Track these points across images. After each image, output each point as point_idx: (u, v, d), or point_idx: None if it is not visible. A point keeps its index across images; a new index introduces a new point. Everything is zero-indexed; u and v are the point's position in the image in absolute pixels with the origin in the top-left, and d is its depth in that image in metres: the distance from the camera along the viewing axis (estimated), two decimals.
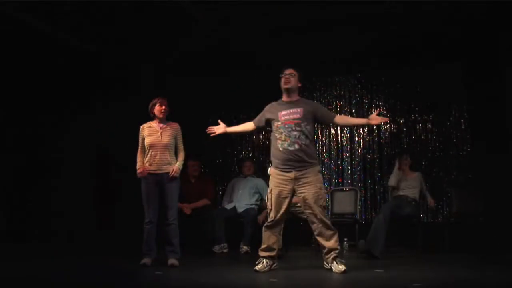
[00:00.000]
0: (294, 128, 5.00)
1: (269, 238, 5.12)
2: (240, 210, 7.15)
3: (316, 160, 5.13)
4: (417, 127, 7.97)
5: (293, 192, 5.04)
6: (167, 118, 5.75)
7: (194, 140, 8.31)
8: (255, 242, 6.80)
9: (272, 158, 5.19)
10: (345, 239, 6.94)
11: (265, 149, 8.39)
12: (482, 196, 6.91)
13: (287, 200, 5.03)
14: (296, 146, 4.97)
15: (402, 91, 8.02)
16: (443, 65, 7.56)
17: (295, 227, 6.72)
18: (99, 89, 7.80)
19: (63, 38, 7.03)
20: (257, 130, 5.62)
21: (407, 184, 6.86)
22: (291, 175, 4.98)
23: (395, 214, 6.42)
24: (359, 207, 7.28)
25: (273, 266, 5.16)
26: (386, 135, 8.09)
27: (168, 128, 5.69)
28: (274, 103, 5.34)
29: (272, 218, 5.07)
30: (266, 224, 5.17)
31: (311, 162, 5.02)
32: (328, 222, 5.00)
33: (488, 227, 6.59)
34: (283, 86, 5.20)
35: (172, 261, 5.44)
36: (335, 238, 4.99)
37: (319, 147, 8.29)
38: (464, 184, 7.44)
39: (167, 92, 6.10)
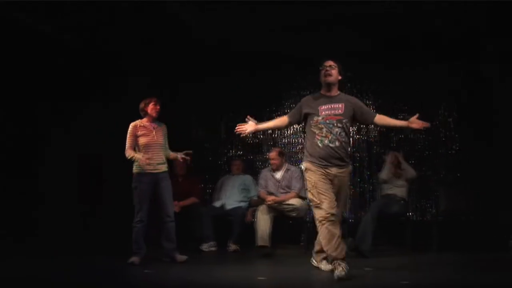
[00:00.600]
0: (335, 124, 4.77)
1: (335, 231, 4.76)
2: (228, 207, 7.14)
3: (349, 159, 4.96)
4: None
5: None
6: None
7: (181, 139, 8.35)
8: (243, 240, 6.83)
9: (307, 154, 4.90)
10: None
11: (255, 147, 8.38)
12: (470, 195, 6.95)
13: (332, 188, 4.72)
14: (337, 144, 4.74)
15: (391, 91, 8.03)
16: (432, 65, 7.57)
17: (284, 226, 6.71)
18: (98, 89, 7.76)
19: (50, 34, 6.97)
20: (291, 125, 5.33)
21: (396, 183, 6.88)
22: (333, 170, 4.75)
23: (384, 213, 6.44)
24: (348, 205, 7.27)
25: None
26: (375, 134, 8.09)
27: (159, 128, 5.71)
28: (310, 97, 5.06)
29: (326, 206, 4.62)
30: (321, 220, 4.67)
31: (347, 161, 4.87)
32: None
33: (476, 226, 6.63)
34: (324, 79, 4.92)
35: (181, 257, 5.52)
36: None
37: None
38: (452, 183, 7.48)
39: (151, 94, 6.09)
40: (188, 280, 4.60)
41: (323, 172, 4.74)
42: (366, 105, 8.01)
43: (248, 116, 5.07)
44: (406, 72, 7.78)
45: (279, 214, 6.63)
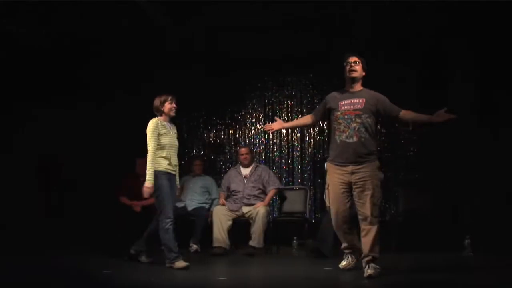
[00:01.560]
0: (354, 120, 4.70)
1: (344, 238, 4.91)
2: (190, 208, 7.11)
3: (375, 155, 4.79)
4: None
5: (351, 187, 4.73)
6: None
7: (142, 137, 8.27)
8: (205, 240, 6.80)
9: (330, 152, 4.92)
10: (294, 238, 6.97)
11: (216, 147, 8.37)
12: (428, 196, 7.08)
13: (346, 195, 4.75)
14: (355, 139, 4.66)
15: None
16: (393, 65, 7.67)
17: (246, 226, 6.71)
18: (80, 90, 7.67)
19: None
20: (316, 122, 5.23)
21: None
22: (348, 169, 4.70)
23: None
24: (308, 206, 7.33)
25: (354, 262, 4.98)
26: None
27: (174, 128, 5.55)
28: (335, 92, 5.00)
29: (334, 216, 4.81)
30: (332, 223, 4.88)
31: (369, 157, 4.72)
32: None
33: (433, 226, 6.76)
34: (348, 75, 4.84)
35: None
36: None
37: (269, 147, 8.32)
38: (411, 184, 7.60)
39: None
40: (149, 280, 4.55)
41: (339, 173, 4.77)
42: None
43: (276, 117, 5.23)
44: (368, 74, 7.85)
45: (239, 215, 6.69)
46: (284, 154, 8.30)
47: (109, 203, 7.10)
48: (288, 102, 8.39)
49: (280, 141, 8.31)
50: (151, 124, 5.30)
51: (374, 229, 4.65)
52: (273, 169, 8.14)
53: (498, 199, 6.70)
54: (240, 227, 6.69)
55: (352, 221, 4.87)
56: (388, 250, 6.52)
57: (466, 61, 7.29)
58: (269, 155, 8.29)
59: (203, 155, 8.30)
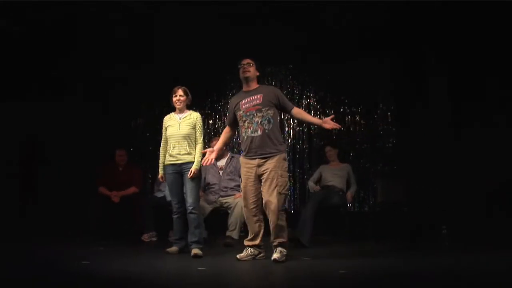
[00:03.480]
0: (256, 114, 4.99)
1: (252, 227, 5.14)
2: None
3: (281, 146, 5.06)
4: (346, 119, 8.13)
5: (260, 179, 5.03)
6: (189, 107, 5.67)
7: (123, 129, 8.23)
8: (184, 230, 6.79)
9: (241, 147, 5.21)
10: None
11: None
12: (406, 186, 7.16)
13: (255, 187, 5.04)
14: (259, 132, 4.96)
15: (332, 84, 8.16)
16: (372, 59, 7.73)
17: (224, 216, 6.72)
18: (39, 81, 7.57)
19: None
20: (234, 129, 5.46)
21: (334, 173, 6.99)
22: (255, 162, 5.00)
23: (323, 204, 6.55)
24: (288, 196, 7.36)
25: (258, 256, 5.15)
26: (316, 126, 8.20)
27: (186, 118, 5.55)
28: (234, 97, 5.37)
29: (245, 206, 5.13)
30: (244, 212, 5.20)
31: (276, 148, 4.98)
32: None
33: (411, 215, 6.84)
34: (242, 75, 5.18)
35: (195, 251, 5.31)
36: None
37: None
38: (389, 175, 7.68)
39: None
40: (128, 270, 4.54)
41: (248, 167, 5.07)
42: (307, 97, 8.21)
43: (206, 150, 5.35)
44: (348, 65, 7.91)
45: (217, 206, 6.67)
46: None
47: (88, 193, 7.07)
48: None
49: None
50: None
51: (275, 215, 4.90)
52: None
53: (477, 189, 6.79)
54: (218, 217, 6.67)
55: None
56: (366, 239, 6.62)
57: (442, 55, 7.38)
58: None
59: None
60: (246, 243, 5.17)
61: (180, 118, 5.56)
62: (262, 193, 5.00)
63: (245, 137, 5.05)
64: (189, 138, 5.51)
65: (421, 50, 7.56)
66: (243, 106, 5.07)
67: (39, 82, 7.56)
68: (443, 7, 6.62)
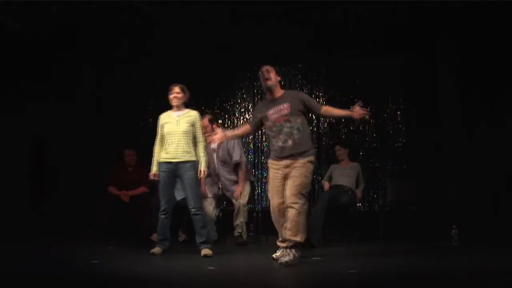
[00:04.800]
0: (285, 125, 4.92)
1: (280, 228, 5.06)
2: (178, 198, 7.09)
3: (310, 150, 5.02)
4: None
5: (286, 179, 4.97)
6: (187, 106, 5.60)
7: (131, 129, 8.26)
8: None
9: (271, 152, 5.15)
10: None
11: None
12: (415, 186, 7.13)
13: (282, 188, 4.96)
14: (290, 143, 4.89)
15: (342, 83, 8.14)
16: (382, 58, 7.71)
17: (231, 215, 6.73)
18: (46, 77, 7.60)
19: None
20: (254, 131, 5.44)
21: (344, 173, 6.97)
22: (283, 163, 4.95)
23: (332, 203, 6.53)
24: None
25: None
26: (325, 126, 8.19)
27: (184, 116, 5.48)
28: (260, 103, 5.31)
29: (272, 207, 5.07)
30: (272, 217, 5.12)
31: (305, 153, 4.93)
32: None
33: (420, 216, 6.82)
34: (263, 84, 5.08)
35: (205, 251, 5.29)
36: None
37: (259, 137, 8.32)
38: (398, 174, 7.65)
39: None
40: (137, 270, 4.55)
41: (277, 166, 4.98)
42: (317, 96, 8.19)
43: (218, 128, 5.37)
44: (357, 64, 7.89)
45: (226, 201, 6.64)
46: None
47: (98, 193, 7.10)
48: None
49: None
50: None
51: (295, 213, 4.86)
52: (261, 159, 8.16)
53: (485, 189, 6.76)
54: (228, 216, 6.68)
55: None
56: (375, 239, 6.60)
57: (452, 54, 7.35)
58: (258, 145, 8.31)
59: None
60: (279, 244, 5.05)
61: (178, 116, 5.48)
62: (285, 191, 4.94)
63: (276, 146, 4.98)
64: (188, 136, 5.42)
65: (432, 49, 7.53)
66: (272, 117, 4.99)
67: (45, 82, 7.59)
68: (453, 7, 6.59)
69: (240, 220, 6.46)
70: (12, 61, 7.24)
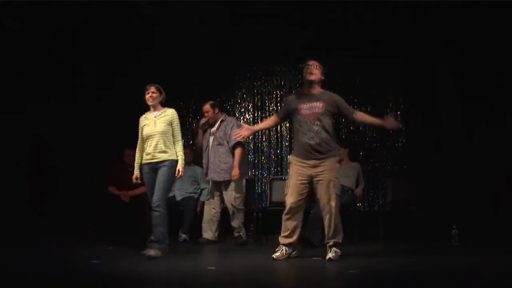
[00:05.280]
0: (314, 123, 4.96)
1: (289, 224, 5.09)
2: (179, 198, 7.11)
3: (335, 150, 5.11)
4: None
5: (312, 179, 5.01)
6: (163, 105, 5.54)
7: (131, 129, 8.25)
8: (194, 230, 6.81)
9: (294, 147, 5.21)
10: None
11: None
12: (415, 186, 7.13)
13: (304, 186, 5.01)
14: (317, 140, 4.94)
15: (342, 83, 8.11)
16: (382, 58, 7.70)
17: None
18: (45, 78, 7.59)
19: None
20: (280, 122, 5.50)
21: (343, 173, 6.95)
22: (310, 162, 4.98)
23: None
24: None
25: (292, 254, 5.13)
26: None
27: (160, 116, 5.46)
28: (294, 95, 5.35)
29: (288, 202, 5.06)
30: (285, 212, 5.12)
31: (328, 155, 5.00)
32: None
33: (420, 216, 6.82)
34: (306, 77, 5.11)
35: (150, 251, 5.09)
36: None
37: (259, 137, 8.31)
38: (398, 174, 7.65)
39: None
40: (137, 270, 4.55)
41: (303, 165, 5.00)
42: None
43: (243, 124, 5.37)
44: (357, 64, 7.89)
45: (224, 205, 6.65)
46: (273, 144, 8.31)
47: (98, 193, 7.10)
48: (277, 92, 8.39)
49: (269, 131, 8.31)
50: None
51: (334, 216, 4.95)
52: (261, 159, 8.16)
53: (485, 189, 6.76)
54: (228, 216, 6.68)
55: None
56: (376, 239, 6.60)
57: (452, 54, 7.35)
58: (258, 145, 8.30)
59: (191, 144, 8.29)
60: (281, 240, 5.11)
61: (155, 116, 5.46)
62: (320, 195, 4.98)
63: (302, 142, 5.01)
64: (166, 136, 5.39)
65: (432, 49, 7.52)
66: (303, 111, 5.03)
67: (45, 82, 7.58)
68: (454, 7, 6.59)
69: (236, 223, 6.48)
70: (12, 61, 7.22)
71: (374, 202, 7.85)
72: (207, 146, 6.62)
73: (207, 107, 6.70)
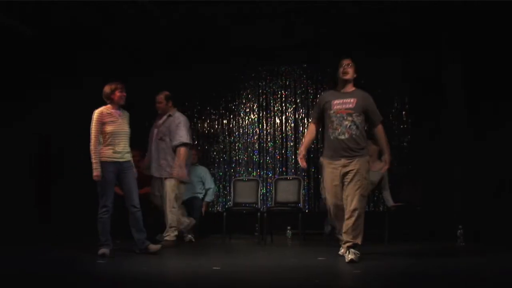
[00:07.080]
0: (345, 118, 5.00)
1: (341, 226, 5.09)
2: (184, 198, 7.10)
3: (365, 149, 5.10)
4: None
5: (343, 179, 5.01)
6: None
7: (136, 129, 8.25)
8: (199, 230, 6.82)
9: (324, 146, 5.23)
10: (288, 227, 6.99)
11: (210, 137, 8.38)
12: (420, 187, 7.10)
13: (341, 186, 5.00)
14: (347, 136, 4.97)
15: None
16: (387, 58, 7.70)
17: (239, 215, 6.73)
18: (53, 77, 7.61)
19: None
20: (319, 126, 5.43)
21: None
22: (340, 162, 4.98)
23: None
24: (302, 196, 7.34)
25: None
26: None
27: (124, 116, 5.52)
28: (327, 92, 5.39)
29: (334, 205, 5.07)
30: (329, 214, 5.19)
31: (360, 151, 5.00)
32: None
33: (426, 216, 6.80)
34: (341, 76, 5.17)
35: (153, 247, 5.39)
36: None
37: (263, 136, 8.32)
38: (404, 175, 7.62)
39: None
40: (142, 270, 4.56)
41: (333, 167, 5.03)
42: None
43: (299, 158, 5.29)
44: (362, 65, 7.83)
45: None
46: (278, 144, 8.31)
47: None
48: (282, 92, 8.39)
49: (274, 131, 8.32)
50: (95, 114, 5.39)
51: (356, 217, 4.90)
52: (267, 159, 8.16)
53: (489, 190, 6.73)
54: (228, 216, 6.68)
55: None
56: (381, 240, 6.58)
57: (457, 54, 7.33)
58: (263, 145, 8.30)
59: (196, 145, 8.29)
60: (342, 238, 5.09)
61: (119, 115, 5.46)
62: (346, 194, 4.97)
63: (332, 138, 5.03)
64: (129, 136, 5.52)
65: (438, 49, 7.50)
66: (335, 107, 5.06)
67: (51, 82, 7.59)
68: (458, 6, 6.57)
69: (167, 222, 6.30)
70: (13, 62, 7.24)
71: (379, 203, 7.83)
72: (151, 138, 6.50)
73: (161, 97, 6.47)
